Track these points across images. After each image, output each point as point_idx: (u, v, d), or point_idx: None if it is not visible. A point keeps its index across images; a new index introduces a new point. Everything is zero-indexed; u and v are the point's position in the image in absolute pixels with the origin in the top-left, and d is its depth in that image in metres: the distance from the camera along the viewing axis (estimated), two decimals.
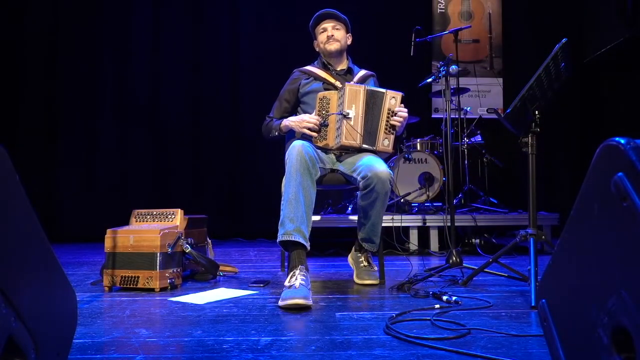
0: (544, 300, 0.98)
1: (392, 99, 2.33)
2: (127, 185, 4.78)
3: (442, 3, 5.12)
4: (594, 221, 0.80)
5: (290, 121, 2.37)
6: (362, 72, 2.57)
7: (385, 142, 2.32)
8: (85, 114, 4.81)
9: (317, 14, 2.53)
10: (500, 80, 5.07)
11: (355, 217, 3.50)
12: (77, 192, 4.74)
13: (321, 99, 2.33)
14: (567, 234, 0.90)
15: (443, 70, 2.78)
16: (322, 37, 2.52)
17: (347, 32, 2.56)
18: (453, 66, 2.79)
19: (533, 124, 2.01)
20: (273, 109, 2.57)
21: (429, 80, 3.29)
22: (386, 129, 2.31)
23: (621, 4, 4.39)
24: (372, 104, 2.31)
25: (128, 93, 4.88)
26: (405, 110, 2.34)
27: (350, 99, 2.28)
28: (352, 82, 2.41)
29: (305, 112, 2.48)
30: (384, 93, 2.33)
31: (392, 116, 2.31)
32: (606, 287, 0.76)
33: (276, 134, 2.45)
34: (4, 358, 0.72)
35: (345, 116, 2.26)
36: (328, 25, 2.51)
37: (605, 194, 0.75)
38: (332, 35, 2.48)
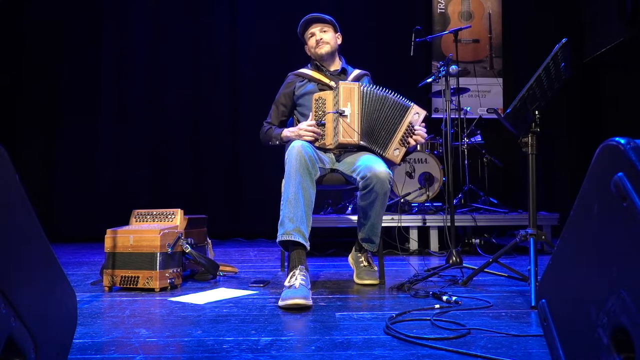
0: (544, 300, 0.98)
1: (416, 115, 2.35)
2: (127, 185, 4.78)
3: (442, 3, 5.12)
4: (593, 221, 0.80)
5: (289, 132, 2.38)
6: (356, 72, 2.58)
7: (396, 152, 2.33)
8: (85, 114, 4.81)
9: (303, 20, 2.54)
10: (500, 80, 5.07)
11: (355, 217, 3.51)
12: (77, 192, 4.74)
13: (317, 100, 2.34)
14: (567, 234, 0.90)
15: (443, 70, 2.79)
16: (311, 42, 2.53)
17: (336, 32, 2.56)
18: (453, 66, 2.79)
19: (533, 124, 2.01)
20: (270, 114, 2.58)
21: (429, 80, 3.29)
22: (401, 140, 2.33)
23: (621, 4, 4.39)
24: (379, 105, 2.32)
25: (128, 93, 4.88)
26: (425, 134, 2.37)
27: (345, 97, 2.29)
28: (346, 81, 2.42)
29: (302, 114, 2.50)
30: (410, 107, 2.35)
31: (411, 131, 2.32)
32: (606, 287, 0.76)
33: (277, 142, 2.45)
34: (3, 358, 0.72)
35: (342, 114, 2.27)
36: (315, 29, 2.51)
37: (605, 194, 0.75)
38: (321, 38, 2.49)
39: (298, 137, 2.32)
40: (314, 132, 2.29)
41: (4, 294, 0.70)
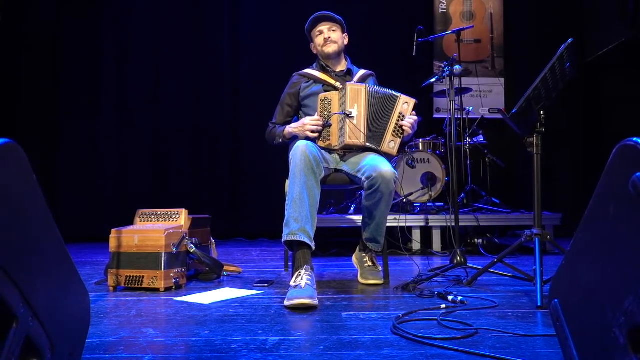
0: (556, 300, 0.98)
1: (405, 104, 2.34)
2: (128, 185, 4.78)
3: (443, 3, 5.12)
4: (610, 221, 0.80)
5: (292, 127, 2.38)
6: (362, 72, 2.58)
7: (392, 144, 2.33)
8: (85, 114, 4.80)
9: (313, 16, 2.54)
10: (502, 80, 5.07)
11: (357, 217, 3.51)
12: (77, 191, 4.73)
13: (322, 100, 2.34)
14: (582, 234, 0.90)
15: (447, 71, 2.78)
16: (319, 40, 2.52)
17: (344, 32, 2.56)
18: (457, 66, 2.78)
19: (538, 124, 2.02)
20: (275, 115, 2.58)
21: (433, 80, 3.29)
22: (394, 131, 2.32)
23: (622, 5, 4.40)
24: (379, 104, 2.32)
25: (128, 92, 4.87)
26: (416, 118, 2.36)
27: (352, 98, 2.28)
28: (353, 82, 2.41)
29: (307, 115, 2.49)
30: (398, 97, 2.34)
31: (402, 120, 2.32)
32: (623, 286, 0.76)
33: (280, 140, 2.45)
34: (21, 357, 0.72)
35: (348, 115, 2.26)
36: (324, 27, 2.51)
37: (622, 194, 0.75)
38: (329, 37, 2.49)
39: (301, 132, 2.31)
40: (317, 125, 2.29)
41: (22, 293, 0.70)
